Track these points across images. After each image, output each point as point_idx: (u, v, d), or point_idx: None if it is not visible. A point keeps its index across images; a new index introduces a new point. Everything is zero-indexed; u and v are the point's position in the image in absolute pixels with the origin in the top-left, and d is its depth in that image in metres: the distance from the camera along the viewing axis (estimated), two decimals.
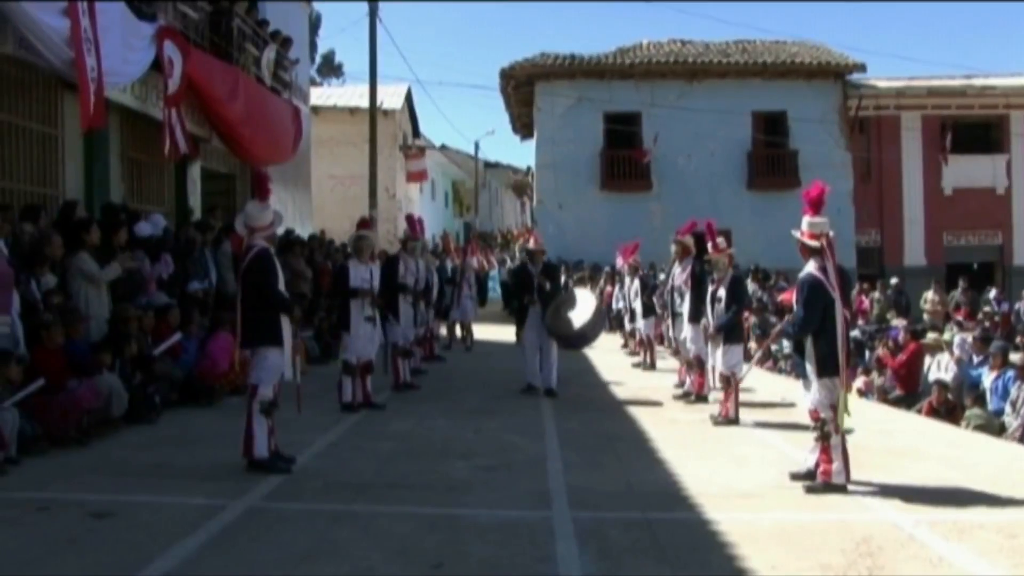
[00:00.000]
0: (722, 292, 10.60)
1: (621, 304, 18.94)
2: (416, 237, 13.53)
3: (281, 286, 7.83)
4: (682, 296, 12.24)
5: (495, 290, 28.87)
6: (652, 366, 15.85)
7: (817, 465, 7.24)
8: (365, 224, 11.90)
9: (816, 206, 7.43)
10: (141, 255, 11.50)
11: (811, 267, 7.29)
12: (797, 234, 7.49)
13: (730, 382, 10.30)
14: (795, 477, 7.45)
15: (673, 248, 12.64)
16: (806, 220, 7.44)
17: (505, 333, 16.57)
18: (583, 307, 12.36)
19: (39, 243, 9.70)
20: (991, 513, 6.51)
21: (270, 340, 7.62)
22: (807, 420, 10.05)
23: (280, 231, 8.20)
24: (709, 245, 10.99)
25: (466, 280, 18.28)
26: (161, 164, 14.58)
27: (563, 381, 12.51)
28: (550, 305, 12.26)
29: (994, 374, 12.39)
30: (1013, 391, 11.53)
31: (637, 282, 16.39)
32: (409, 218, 14.41)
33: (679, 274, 12.42)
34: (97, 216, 11.69)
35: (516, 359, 13.06)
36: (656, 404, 11.82)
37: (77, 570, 5.18)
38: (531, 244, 13.50)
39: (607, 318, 16.14)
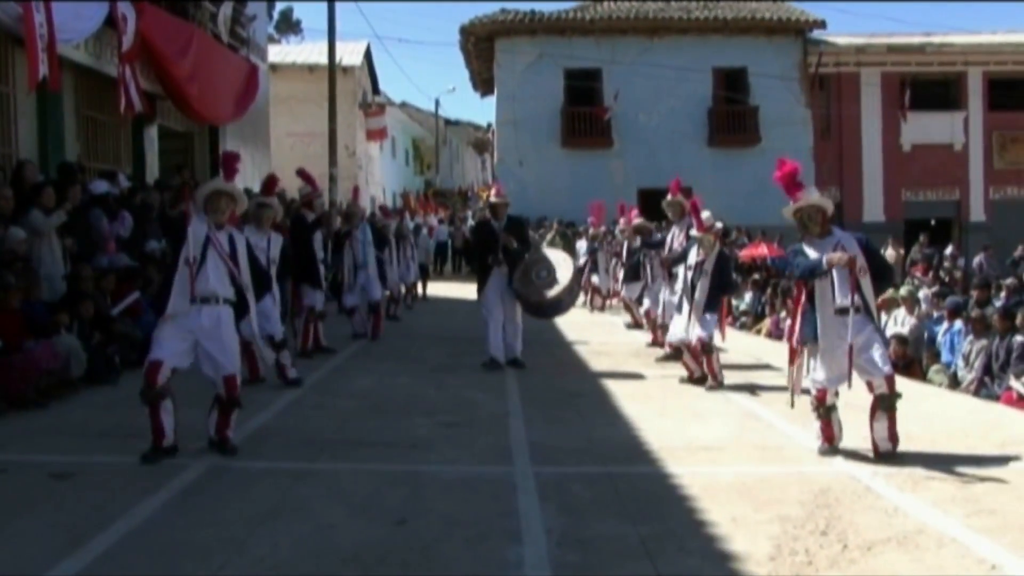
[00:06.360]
0: (709, 267, 9.93)
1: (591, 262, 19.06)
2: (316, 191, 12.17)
3: (192, 251, 6.70)
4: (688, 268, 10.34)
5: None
6: (638, 326, 15.15)
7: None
8: (271, 185, 10.53)
9: (791, 188, 7.05)
10: (98, 213, 11.34)
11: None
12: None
13: (707, 348, 9.93)
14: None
15: (669, 212, 11.68)
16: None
17: (465, 291, 16.54)
18: (559, 271, 11.13)
19: None
20: (945, 465, 6.62)
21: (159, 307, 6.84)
22: (769, 379, 10.23)
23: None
24: (694, 223, 10.24)
25: (407, 241, 18.03)
26: (118, 123, 14.36)
27: (524, 340, 11.52)
28: (518, 266, 11.01)
29: (945, 326, 12.64)
30: (965, 345, 11.71)
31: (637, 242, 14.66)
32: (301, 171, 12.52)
33: (678, 235, 11.29)
34: (52, 175, 11.51)
35: (477, 318, 11.75)
36: (618, 360, 11.90)
37: (38, 531, 5.15)
38: (492, 196, 11.80)
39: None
